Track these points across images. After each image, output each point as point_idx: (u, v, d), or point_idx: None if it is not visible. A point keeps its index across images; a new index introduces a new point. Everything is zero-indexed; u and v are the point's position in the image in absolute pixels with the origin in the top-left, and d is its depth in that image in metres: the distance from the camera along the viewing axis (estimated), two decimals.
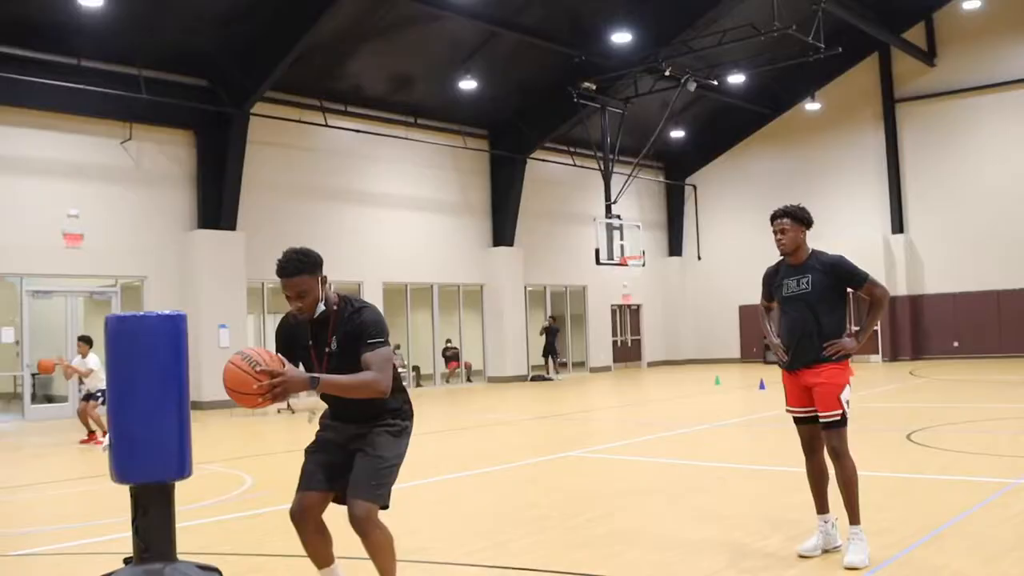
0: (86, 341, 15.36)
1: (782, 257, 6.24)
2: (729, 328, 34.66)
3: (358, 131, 24.54)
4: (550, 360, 29.84)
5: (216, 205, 21.67)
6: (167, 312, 4.45)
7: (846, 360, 6.01)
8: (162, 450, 4.32)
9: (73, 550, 7.23)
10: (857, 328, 6.18)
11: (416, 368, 27.33)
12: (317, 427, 4.75)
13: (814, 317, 5.99)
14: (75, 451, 14.31)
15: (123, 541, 6.58)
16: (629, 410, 18.69)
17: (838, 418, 5.87)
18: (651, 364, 34.79)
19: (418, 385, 27.16)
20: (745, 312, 33.61)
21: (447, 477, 10.24)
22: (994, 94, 29.65)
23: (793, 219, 6.08)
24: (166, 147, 21.68)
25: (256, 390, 4.07)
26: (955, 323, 30.22)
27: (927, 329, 30.83)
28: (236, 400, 4.21)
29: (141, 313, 4.41)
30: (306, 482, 4.58)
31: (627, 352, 34.15)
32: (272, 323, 24.84)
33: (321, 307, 4.51)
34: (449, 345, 28.29)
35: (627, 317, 34.29)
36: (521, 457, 11.91)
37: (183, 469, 4.43)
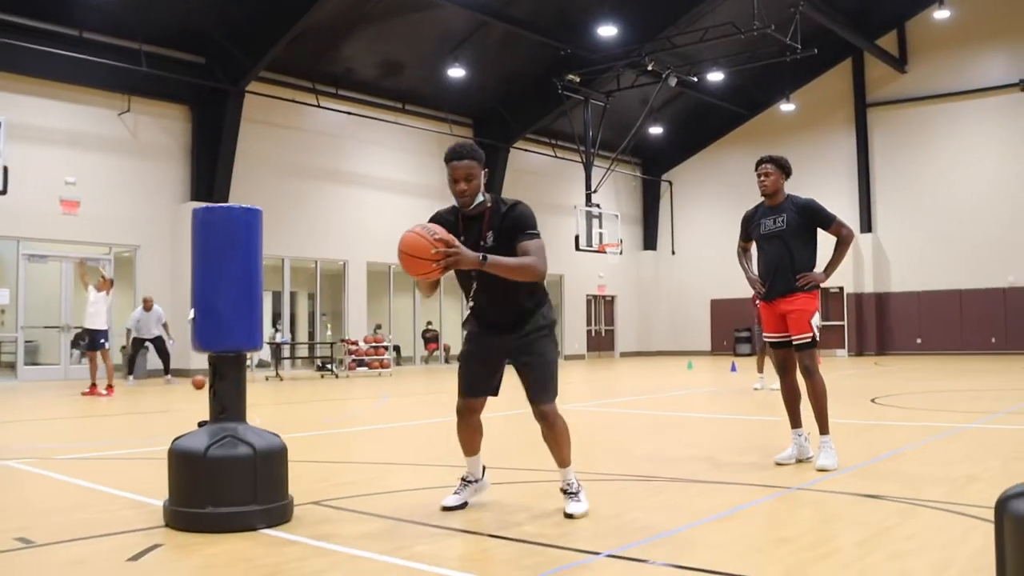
0: (109, 282, 16.06)
1: (760, 201, 7.01)
2: (701, 321, 35.55)
3: (348, 113, 25.22)
4: None
5: (209, 179, 22.26)
6: (248, 206, 5.14)
7: (815, 291, 6.78)
8: (239, 325, 5.02)
9: (116, 456, 7.91)
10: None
11: (397, 348, 27.96)
12: None
13: (788, 252, 6.76)
14: (83, 400, 14.87)
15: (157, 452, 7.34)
16: (607, 383, 19.47)
17: (809, 339, 6.66)
18: (624, 354, 35.61)
19: (398, 364, 27.79)
20: (716, 306, 34.54)
21: (436, 420, 10.96)
22: (961, 101, 30.70)
23: (776, 165, 6.86)
24: (163, 120, 22.26)
25: (432, 255, 4.44)
26: (919, 320, 31.23)
27: (892, 326, 31.83)
28: (409, 266, 4.53)
29: (226, 205, 5.09)
30: (469, 389, 5.17)
31: (600, 342, 34.95)
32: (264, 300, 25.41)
33: (480, 198, 4.94)
34: (429, 327, 28.96)
35: (601, 307, 35.09)
36: (507, 409, 12.62)
37: (256, 342, 5.13)
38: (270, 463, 4.94)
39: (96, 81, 20.90)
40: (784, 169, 6.89)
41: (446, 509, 5.19)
